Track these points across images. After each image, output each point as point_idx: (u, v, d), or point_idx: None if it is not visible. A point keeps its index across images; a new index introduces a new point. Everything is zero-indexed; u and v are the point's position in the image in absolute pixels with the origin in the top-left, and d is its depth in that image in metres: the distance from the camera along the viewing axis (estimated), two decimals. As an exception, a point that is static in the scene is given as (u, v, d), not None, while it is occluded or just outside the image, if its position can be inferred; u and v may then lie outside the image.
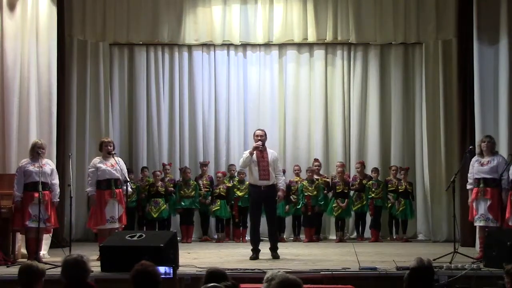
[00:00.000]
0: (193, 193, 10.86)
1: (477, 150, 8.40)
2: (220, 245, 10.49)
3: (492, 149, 8.22)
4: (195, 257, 8.37)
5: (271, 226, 8.37)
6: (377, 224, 11.04)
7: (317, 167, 11.12)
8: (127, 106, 11.79)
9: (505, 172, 7.94)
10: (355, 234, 11.34)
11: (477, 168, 8.22)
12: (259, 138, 8.26)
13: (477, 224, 8.26)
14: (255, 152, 8.21)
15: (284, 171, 11.10)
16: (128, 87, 11.80)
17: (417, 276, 4.29)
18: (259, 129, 8.55)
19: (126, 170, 8.51)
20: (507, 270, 4.68)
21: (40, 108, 9.35)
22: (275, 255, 8.14)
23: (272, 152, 8.42)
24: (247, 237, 10.44)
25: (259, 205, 8.33)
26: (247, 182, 10.83)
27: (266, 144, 8.50)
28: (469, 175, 8.36)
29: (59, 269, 6.09)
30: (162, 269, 5.98)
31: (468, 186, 8.38)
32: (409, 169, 11.16)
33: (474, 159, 8.33)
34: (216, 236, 11.16)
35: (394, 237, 11.09)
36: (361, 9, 11.00)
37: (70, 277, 4.31)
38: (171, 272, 6.13)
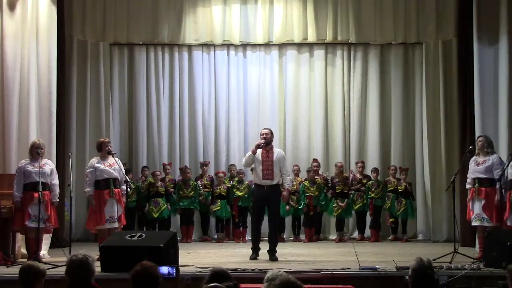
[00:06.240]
0: (192, 193, 10.86)
1: (476, 150, 8.45)
2: (220, 245, 10.49)
3: (485, 148, 8.24)
4: (195, 257, 8.36)
5: (272, 227, 8.29)
6: (376, 224, 11.05)
7: (316, 167, 11.12)
8: (127, 106, 11.79)
9: (501, 172, 7.94)
10: (355, 234, 11.36)
11: (473, 167, 8.30)
12: (263, 136, 8.19)
13: (474, 223, 8.33)
14: (260, 150, 8.13)
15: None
16: (128, 87, 11.80)
17: (419, 276, 4.30)
18: (265, 128, 8.46)
19: (124, 170, 8.51)
20: (510, 268, 4.68)
21: (40, 108, 9.35)
22: (273, 258, 8.03)
23: (278, 151, 8.32)
24: (247, 237, 10.46)
25: (261, 205, 8.26)
26: (247, 182, 10.92)
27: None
28: (468, 174, 8.41)
29: (60, 269, 6.10)
30: (165, 269, 5.98)
31: (467, 186, 8.45)
32: (409, 169, 11.16)
33: (472, 158, 8.39)
34: (216, 236, 11.16)
35: (390, 238, 11.11)
36: (361, 9, 11.01)
37: (74, 277, 4.31)
38: (174, 272, 6.12)
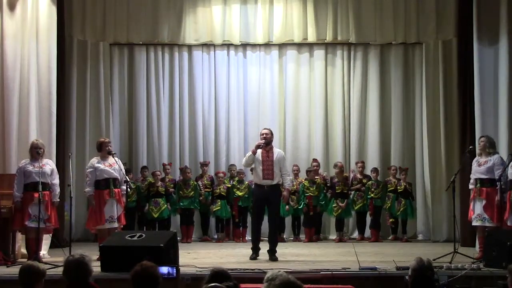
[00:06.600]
0: (192, 193, 10.86)
1: (477, 150, 8.46)
2: (220, 245, 10.49)
3: (487, 148, 8.24)
4: (195, 257, 8.37)
5: (272, 227, 8.29)
6: (376, 224, 11.04)
7: (316, 167, 11.12)
8: (127, 106, 11.78)
9: (501, 172, 7.94)
10: (355, 234, 11.35)
11: (475, 168, 8.32)
12: (263, 136, 8.20)
13: (474, 224, 8.35)
14: (260, 151, 8.13)
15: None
16: (128, 87, 11.79)
17: (419, 276, 4.30)
18: (265, 128, 8.49)
19: (124, 170, 8.51)
20: (510, 268, 4.67)
21: (40, 108, 9.36)
22: (273, 258, 8.03)
23: (278, 151, 8.34)
24: (247, 237, 10.46)
25: (261, 205, 8.26)
26: (247, 182, 10.92)
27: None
28: (470, 175, 8.43)
29: (60, 269, 6.10)
30: (165, 269, 5.99)
31: (470, 186, 8.47)
32: (409, 169, 11.15)
33: (474, 159, 8.42)
34: (216, 236, 11.16)
35: (390, 238, 11.11)
36: (361, 9, 11.01)
37: (72, 278, 4.31)
38: (174, 272, 6.13)
